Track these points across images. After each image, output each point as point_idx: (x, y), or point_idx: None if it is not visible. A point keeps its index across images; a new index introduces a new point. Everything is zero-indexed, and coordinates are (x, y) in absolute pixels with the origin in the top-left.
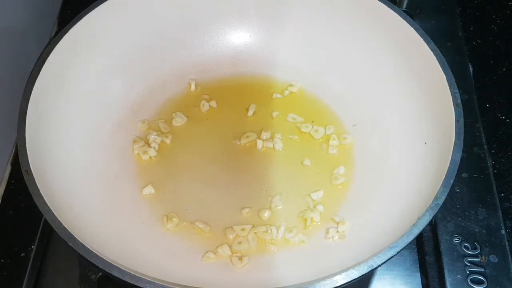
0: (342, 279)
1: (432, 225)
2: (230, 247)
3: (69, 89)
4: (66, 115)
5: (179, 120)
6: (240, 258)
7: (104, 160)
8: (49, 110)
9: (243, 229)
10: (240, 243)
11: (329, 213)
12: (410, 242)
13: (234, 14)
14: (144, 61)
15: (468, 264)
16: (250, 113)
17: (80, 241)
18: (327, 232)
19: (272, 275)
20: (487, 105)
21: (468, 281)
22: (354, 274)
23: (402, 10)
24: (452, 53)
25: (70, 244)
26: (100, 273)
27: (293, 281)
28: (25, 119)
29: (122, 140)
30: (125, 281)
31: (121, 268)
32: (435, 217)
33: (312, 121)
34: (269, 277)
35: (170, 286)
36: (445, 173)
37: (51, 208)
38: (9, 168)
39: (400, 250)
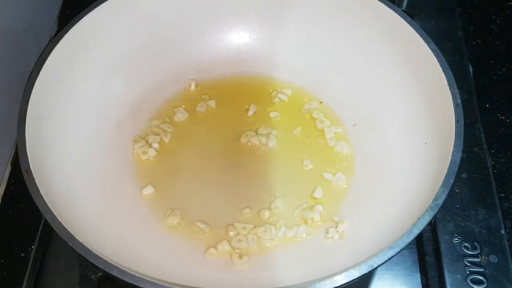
0: (342, 279)
1: (432, 225)
2: (229, 243)
3: (69, 89)
4: (66, 115)
5: (180, 116)
6: (240, 256)
7: (104, 160)
8: (49, 110)
9: (244, 228)
10: (240, 241)
11: (329, 213)
12: (410, 242)
13: (234, 14)
14: (144, 61)
15: (468, 264)
16: (250, 113)
17: (80, 241)
18: (327, 232)
19: (272, 274)
20: (487, 105)
21: (468, 281)
22: (354, 274)
23: (402, 10)
24: (452, 53)
25: (70, 244)
26: (100, 273)
27: (293, 281)
28: (25, 119)
29: (122, 140)
30: (125, 281)
31: (121, 268)
32: (435, 217)
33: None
34: (269, 277)
35: (170, 286)
36: (445, 173)
37: (51, 208)
38: (9, 168)
39: (400, 250)
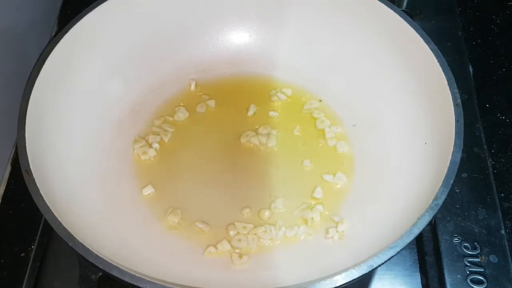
0: (342, 279)
1: (432, 225)
2: (229, 242)
3: (69, 89)
4: (66, 115)
5: (181, 115)
6: (240, 256)
7: (104, 160)
8: (49, 110)
9: (244, 227)
10: (240, 240)
11: (329, 213)
12: (410, 242)
13: (234, 14)
14: (144, 61)
15: (468, 264)
16: (250, 113)
17: (80, 241)
18: (326, 232)
19: (272, 274)
20: (487, 105)
21: (468, 281)
22: (354, 274)
23: (402, 10)
24: (452, 53)
25: (70, 244)
26: (100, 273)
27: (293, 281)
28: (25, 119)
29: (122, 140)
30: (125, 281)
31: (121, 268)
32: (435, 217)
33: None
34: (269, 277)
35: (170, 286)
36: (445, 173)
37: (51, 208)
38: (9, 168)
39: (400, 250)
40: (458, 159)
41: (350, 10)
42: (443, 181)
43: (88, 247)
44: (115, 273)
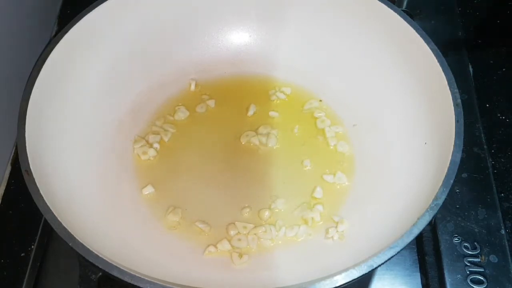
0: (342, 279)
1: (432, 225)
2: (229, 242)
3: (69, 89)
4: (66, 115)
5: (181, 115)
6: (240, 255)
7: (104, 160)
8: (49, 110)
9: (245, 227)
10: (240, 240)
11: (329, 213)
12: (410, 242)
13: (234, 14)
14: (144, 61)
15: (468, 264)
16: (250, 113)
17: (80, 241)
18: (326, 232)
19: (272, 274)
20: (487, 105)
21: (468, 281)
22: (354, 274)
23: (402, 10)
24: (452, 53)
25: (70, 244)
26: (100, 273)
27: (293, 281)
28: (25, 119)
29: (122, 140)
30: (125, 281)
31: (121, 268)
32: (435, 217)
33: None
34: (269, 277)
35: (170, 286)
36: (445, 173)
37: (51, 208)
38: (9, 168)
39: (400, 250)
40: (458, 159)
41: (350, 10)
42: (443, 181)
43: (88, 247)
44: (115, 273)
